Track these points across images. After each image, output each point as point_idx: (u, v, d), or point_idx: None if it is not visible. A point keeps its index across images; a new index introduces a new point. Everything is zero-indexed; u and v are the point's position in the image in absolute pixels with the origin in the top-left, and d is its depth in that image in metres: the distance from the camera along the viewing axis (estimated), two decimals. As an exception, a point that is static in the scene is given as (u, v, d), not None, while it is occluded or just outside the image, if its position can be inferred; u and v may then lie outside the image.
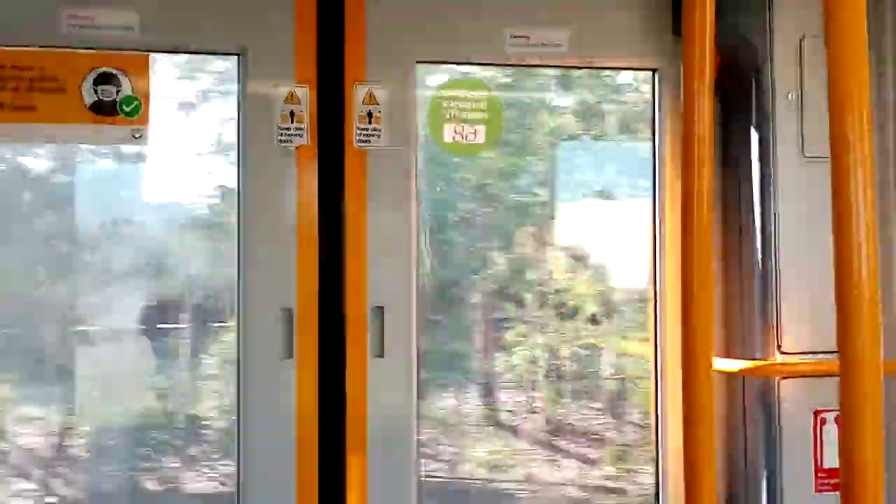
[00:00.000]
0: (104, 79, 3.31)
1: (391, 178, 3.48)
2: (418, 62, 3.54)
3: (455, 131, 3.63)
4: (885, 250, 3.49)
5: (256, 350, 3.36)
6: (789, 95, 3.50)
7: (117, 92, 3.31)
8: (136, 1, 3.31)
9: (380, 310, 3.42)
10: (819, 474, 3.46)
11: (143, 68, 3.34)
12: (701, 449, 2.01)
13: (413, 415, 3.49)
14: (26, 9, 3.24)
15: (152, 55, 3.36)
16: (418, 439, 3.51)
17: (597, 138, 4.03)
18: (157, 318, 3.56)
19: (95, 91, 3.30)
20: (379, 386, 3.42)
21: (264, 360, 3.35)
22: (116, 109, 3.32)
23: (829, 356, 2.95)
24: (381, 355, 3.42)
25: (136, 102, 3.33)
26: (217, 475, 3.54)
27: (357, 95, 3.45)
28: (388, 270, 3.45)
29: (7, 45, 3.24)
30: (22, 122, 3.25)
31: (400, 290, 3.46)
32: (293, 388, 3.35)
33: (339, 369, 3.40)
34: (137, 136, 3.34)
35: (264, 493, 3.35)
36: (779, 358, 3.45)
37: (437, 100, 3.62)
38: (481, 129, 3.65)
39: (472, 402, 3.83)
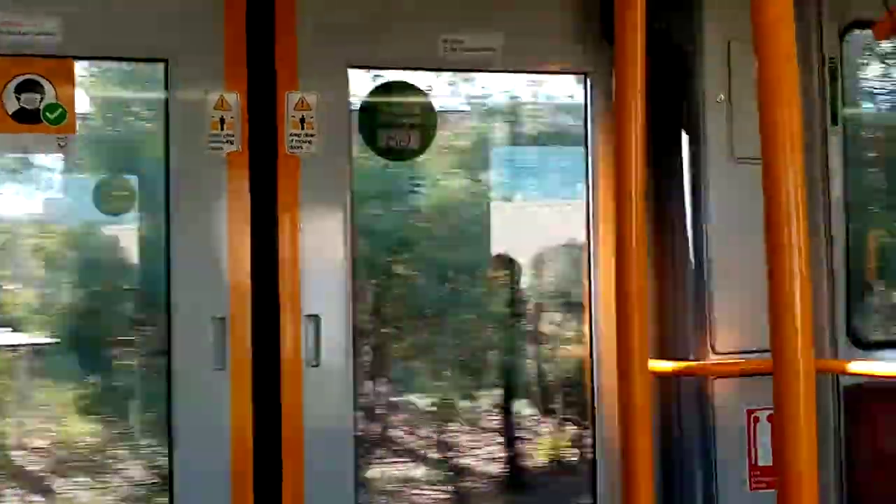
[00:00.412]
0: (27, 86, 3.21)
1: (325, 183, 3.44)
2: (350, 67, 3.52)
3: (389, 137, 3.62)
4: (815, 250, 3.57)
5: (188, 360, 3.29)
6: (719, 98, 3.55)
7: (41, 99, 3.22)
8: (60, 6, 3.22)
9: (315, 318, 3.38)
10: (754, 472, 3.51)
11: (68, 75, 3.26)
12: (638, 449, 2.02)
13: (350, 423, 3.45)
14: (-57, 13, 3.14)
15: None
16: (356, 448, 3.48)
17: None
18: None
19: (18, 98, 3.21)
20: (315, 395, 3.38)
21: (196, 370, 3.28)
22: (40, 117, 3.22)
23: (761, 355, 2.99)
24: (317, 364, 3.38)
25: (60, 110, 3.24)
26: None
27: (289, 101, 3.41)
28: (322, 278, 3.41)
29: (-76, 51, 3.14)
30: (-60, 130, 3.15)
31: (335, 298, 3.43)
32: (227, 399, 3.29)
33: (274, 379, 3.35)
34: (63, 144, 3.26)
35: None
36: (712, 358, 3.50)
37: (370, 105, 3.60)
38: (416, 134, 3.64)
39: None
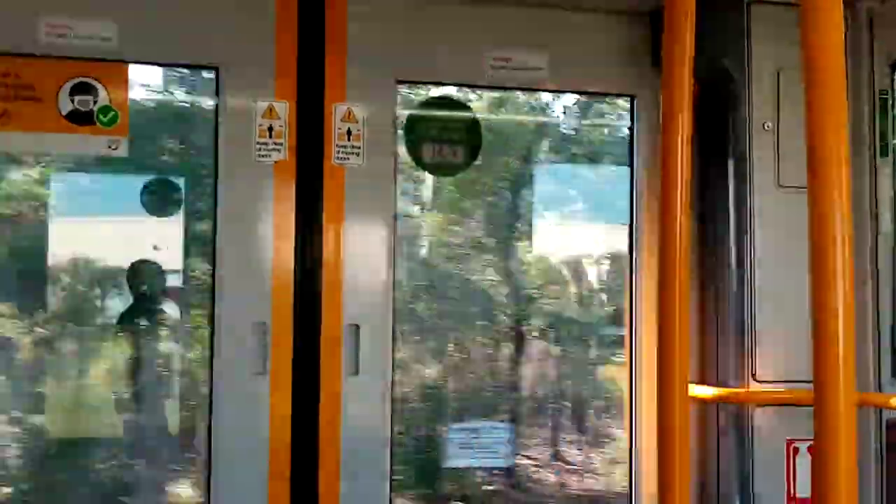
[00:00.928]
0: (81, 88, 3.28)
1: (369, 195, 3.46)
2: (398, 81, 3.54)
3: (434, 151, 3.63)
4: (861, 282, 3.52)
5: (230, 364, 3.32)
6: (766, 125, 3.52)
7: (94, 102, 3.28)
8: (115, 11, 3.29)
9: (355, 327, 3.40)
10: (791, 504, 3.47)
11: (121, 79, 3.32)
12: (675, 476, 2.00)
13: (387, 432, 3.46)
14: (3, 16, 3.21)
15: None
16: (392, 456, 3.49)
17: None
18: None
19: (72, 100, 3.27)
20: (353, 403, 3.39)
21: (238, 375, 3.31)
22: (93, 119, 3.29)
23: (803, 385, 2.96)
24: (356, 373, 3.39)
25: (113, 112, 3.30)
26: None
27: (336, 112, 3.44)
28: (364, 288, 3.43)
29: (-17, 52, 3.22)
30: (-3, 129, 3.22)
31: (376, 308, 3.44)
32: (266, 404, 3.32)
33: (314, 386, 3.37)
34: (114, 146, 3.31)
35: None
36: (753, 386, 3.46)
37: (416, 119, 3.62)
38: (460, 149, 3.65)
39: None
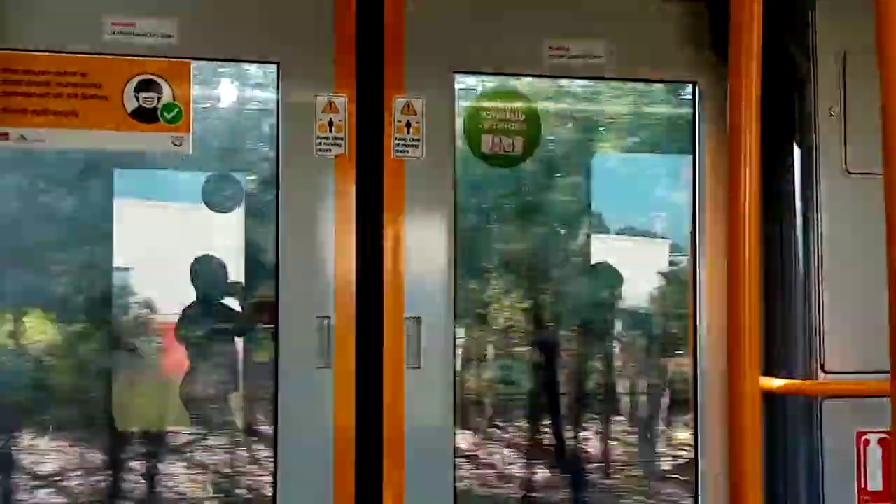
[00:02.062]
0: (145, 85, 3.33)
1: (429, 188, 3.47)
2: (455, 72, 3.54)
3: (493, 142, 3.62)
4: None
5: (294, 358, 3.35)
6: (832, 110, 3.45)
7: (158, 99, 3.33)
8: (177, 9, 3.33)
9: (417, 320, 3.41)
10: (863, 497, 3.39)
11: (184, 75, 3.36)
12: (748, 469, 1.97)
13: (450, 425, 3.47)
14: (70, 15, 3.28)
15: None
16: (455, 450, 3.50)
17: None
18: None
19: (137, 98, 3.32)
20: (416, 396, 3.40)
21: (302, 368, 3.35)
22: (157, 116, 3.33)
23: (873, 376, 2.90)
24: (418, 366, 3.41)
25: (176, 109, 3.34)
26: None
27: (395, 105, 3.45)
28: (425, 281, 3.44)
29: (51, 51, 3.27)
30: (64, 127, 3.28)
31: (437, 301, 3.45)
32: (330, 396, 3.35)
33: (377, 379, 3.39)
34: (178, 143, 3.36)
35: (301, 502, 3.34)
36: (822, 377, 3.40)
37: (474, 110, 3.61)
38: (519, 140, 3.64)
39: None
